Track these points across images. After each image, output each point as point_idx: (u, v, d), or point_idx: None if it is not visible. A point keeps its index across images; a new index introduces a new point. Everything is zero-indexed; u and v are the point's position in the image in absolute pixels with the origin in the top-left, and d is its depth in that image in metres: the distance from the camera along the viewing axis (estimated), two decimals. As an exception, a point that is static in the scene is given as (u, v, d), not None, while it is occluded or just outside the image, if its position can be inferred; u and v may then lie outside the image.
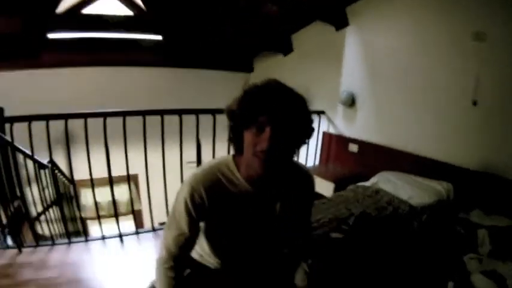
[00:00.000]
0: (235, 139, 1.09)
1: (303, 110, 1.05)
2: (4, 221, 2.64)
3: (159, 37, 4.59)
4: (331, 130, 4.28)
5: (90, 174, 2.72)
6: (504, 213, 2.50)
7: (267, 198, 1.18)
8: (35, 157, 2.70)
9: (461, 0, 2.86)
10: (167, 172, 3.03)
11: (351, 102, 3.89)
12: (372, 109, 3.80)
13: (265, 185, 1.14)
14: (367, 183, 3.18)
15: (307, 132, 1.11)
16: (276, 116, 0.96)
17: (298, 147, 1.10)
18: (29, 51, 4.16)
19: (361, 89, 3.86)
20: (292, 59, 4.90)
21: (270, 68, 5.35)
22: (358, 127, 3.96)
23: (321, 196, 3.03)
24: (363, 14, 3.75)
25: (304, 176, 1.30)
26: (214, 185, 1.10)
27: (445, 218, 2.62)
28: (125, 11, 4.46)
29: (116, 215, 2.96)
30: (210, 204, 1.09)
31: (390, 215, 2.54)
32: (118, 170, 2.83)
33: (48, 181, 3.19)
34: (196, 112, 3.01)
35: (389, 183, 3.06)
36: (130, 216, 3.27)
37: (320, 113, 4.22)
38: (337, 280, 1.74)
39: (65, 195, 3.92)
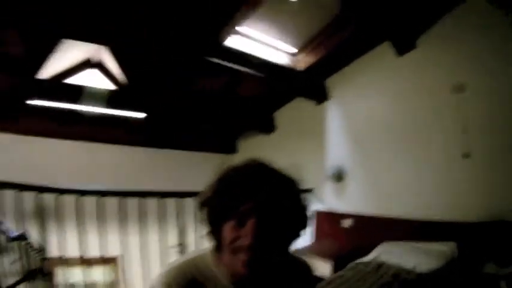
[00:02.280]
0: (214, 233, 0.91)
1: (293, 195, 0.90)
2: None
3: (141, 114, 4.57)
4: (321, 207, 4.11)
5: (63, 251, 2.55)
6: None
7: None
8: (5, 228, 2.50)
9: (437, 57, 3.03)
10: (149, 256, 2.79)
11: (339, 176, 3.81)
12: (361, 180, 3.71)
13: (252, 285, 0.93)
14: (368, 259, 2.95)
15: (300, 222, 0.93)
16: (261, 205, 0.82)
17: (291, 240, 0.93)
18: (7, 114, 4.09)
19: (349, 161, 3.82)
20: (276, 138, 4.94)
21: (254, 148, 5.36)
22: (350, 201, 3.83)
23: (318, 278, 2.76)
24: (342, 86, 3.89)
25: (301, 267, 1.10)
26: (189, 284, 0.90)
27: (458, 279, 2.45)
28: (108, 85, 4.50)
29: None
30: None
31: None
32: (96, 251, 2.63)
33: (20, 254, 2.95)
34: (180, 195, 2.86)
35: (391, 254, 2.87)
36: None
37: (308, 190, 4.09)
38: None
39: (36, 271, 3.60)
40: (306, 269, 1.10)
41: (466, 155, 2.79)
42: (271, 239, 0.83)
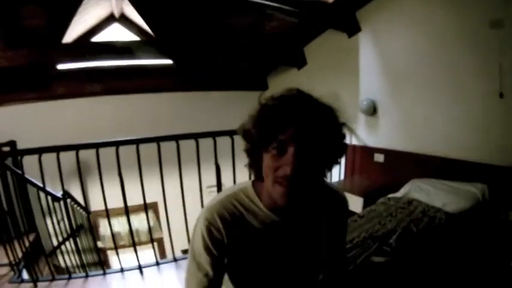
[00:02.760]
0: (255, 164, 0.92)
1: (333, 122, 0.87)
2: (20, 254, 2.59)
3: (170, 61, 4.55)
4: (354, 141, 4.11)
5: (105, 204, 2.66)
6: None
7: (295, 227, 1.00)
8: (48, 189, 2.67)
9: None
10: (187, 198, 2.91)
11: (372, 110, 3.74)
12: (395, 115, 3.63)
13: (292, 213, 0.97)
14: (398, 194, 3.00)
15: (339, 150, 0.91)
16: (300, 132, 0.79)
17: (329, 168, 0.92)
18: (38, 82, 4.27)
19: (382, 96, 3.71)
20: (307, 72, 4.81)
21: (285, 84, 5.09)
22: (382, 136, 3.79)
23: (350, 213, 2.83)
24: (374, 18, 3.64)
25: (337, 198, 1.12)
26: (232, 217, 0.95)
27: (484, 221, 2.46)
28: (133, 38, 4.52)
29: (134, 245, 2.85)
30: (230, 238, 0.94)
31: (427, 226, 2.35)
32: (136, 199, 2.73)
33: (64, 213, 3.14)
34: (213, 135, 2.89)
35: (421, 191, 2.89)
36: (153, 245, 3.17)
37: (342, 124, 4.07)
38: None
39: (83, 226, 3.84)
40: (342, 199, 1.13)
41: (501, 94, 2.62)
42: (311, 167, 0.83)
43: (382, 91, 3.69)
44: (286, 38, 4.44)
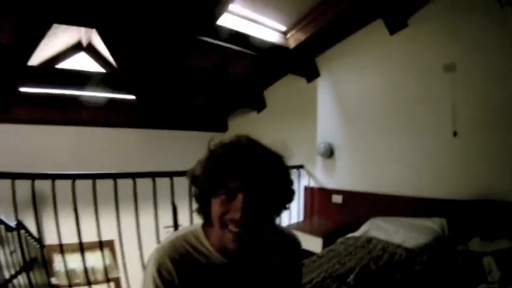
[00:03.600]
0: (203, 207, 0.95)
1: (281, 170, 0.92)
2: None
3: (132, 97, 4.52)
4: (312, 183, 4.16)
5: (60, 239, 2.50)
6: (504, 236, 2.44)
7: (245, 270, 1.00)
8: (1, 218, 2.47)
9: (429, 36, 3.02)
10: (144, 236, 2.80)
11: (329, 152, 3.85)
12: (351, 157, 3.75)
13: (242, 256, 0.97)
14: (357, 233, 3.03)
15: (287, 196, 0.96)
16: (248, 180, 0.83)
17: (278, 213, 0.96)
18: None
19: (338, 138, 3.85)
20: (266, 115, 4.93)
21: (245, 126, 5.35)
22: (339, 177, 3.87)
23: (309, 253, 2.81)
24: (332, 63, 3.87)
25: (288, 240, 1.14)
26: (182, 258, 0.93)
27: (444, 254, 2.50)
28: (98, 68, 4.49)
29: (90, 284, 2.66)
30: (180, 279, 0.92)
31: (388, 263, 2.37)
32: (92, 235, 2.60)
33: (17, 245, 2.93)
34: (171, 175, 2.85)
35: (380, 229, 2.94)
36: (109, 284, 2.97)
37: (299, 167, 4.14)
38: None
39: (37, 260, 3.58)
40: (293, 240, 1.14)
41: (454, 133, 2.83)
42: (259, 213, 0.85)
43: (339, 134, 3.83)
44: (247, 81, 4.57)
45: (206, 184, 0.88)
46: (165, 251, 0.94)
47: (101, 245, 2.70)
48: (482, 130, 2.72)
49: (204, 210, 0.95)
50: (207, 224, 0.98)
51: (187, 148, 5.17)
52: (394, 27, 3.24)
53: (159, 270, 0.91)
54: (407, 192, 3.17)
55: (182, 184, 2.82)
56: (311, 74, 4.04)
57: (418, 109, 3.12)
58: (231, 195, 0.84)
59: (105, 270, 2.89)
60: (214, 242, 0.95)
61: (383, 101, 3.40)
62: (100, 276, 4.83)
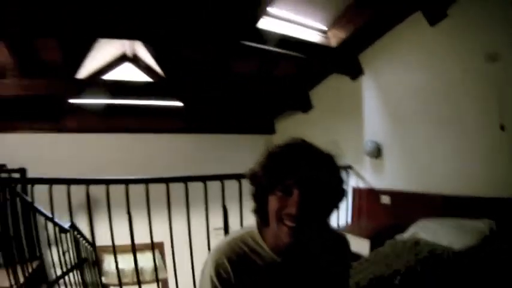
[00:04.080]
0: (260, 207, 1.00)
1: (333, 169, 0.97)
2: (22, 279, 2.58)
3: (179, 103, 4.72)
4: (360, 184, 4.11)
5: (112, 240, 2.67)
6: None
7: (298, 269, 1.04)
8: (56, 220, 2.71)
9: (470, 26, 2.89)
10: (194, 239, 2.91)
11: (377, 152, 3.78)
12: (399, 156, 3.67)
13: (296, 255, 1.02)
14: (405, 235, 2.96)
15: (339, 195, 1.01)
16: (304, 177, 0.89)
17: (330, 211, 1.01)
18: (50, 114, 4.47)
19: (386, 137, 3.78)
20: (313, 116, 4.93)
21: (292, 127, 5.37)
22: (387, 177, 3.80)
23: (357, 256, 2.82)
24: (376, 60, 3.81)
25: (339, 239, 1.19)
26: (239, 258, 0.99)
27: (490, 252, 2.42)
28: (144, 78, 4.74)
29: (139, 282, 2.82)
30: (237, 279, 0.97)
31: (434, 265, 2.35)
32: (142, 237, 2.75)
33: (70, 245, 3.16)
34: (221, 178, 2.94)
35: (428, 231, 2.86)
36: (155, 285, 3.13)
37: (347, 168, 4.09)
38: None
39: (87, 260, 3.85)
40: (343, 240, 1.19)
41: (502, 127, 2.68)
42: (313, 209, 0.90)
43: (386, 132, 3.77)
44: (292, 83, 4.63)
45: (264, 182, 0.94)
46: (223, 251, 1.00)
47: (152, 246, 2.84)
48: None
49: (260, 209, 0.99)
50: (262, 225, 1.03)
51: (235, 151, 5.34)
52: (433, 18, 3.12)
53: (217, 270, 0.96)
54: (456, 191, 3.05)
55: (232, 187, 2.95)
56: (355, 71, 4.00)
57: (463, 103, 3.00)
58: (288, 191, 0.89)
59: (155, 270, 3.00)
60: (269, 242, 1.01)
61: (427, 96, 3.31)
62: (148, 276, 5.09)
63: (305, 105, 4.95)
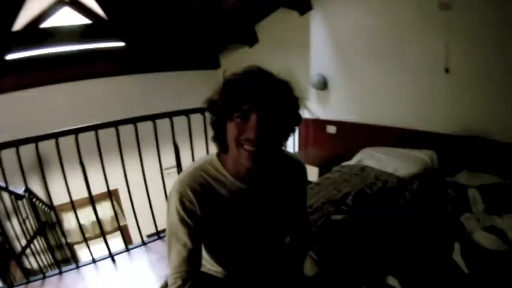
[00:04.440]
0: (219, 134, 1.01)
1: (289, 94, 0.98)
2: None
3: (122, 43, 4.44)
4: (307, 115, 4.26)
5: (70, 196, 2.59)
6: (491, 172, 2.58)
7: (259, 193, 1.11)
8: (10, 188, 2.57)
9: None
10: (148, 181, 2.91)
11: (323, 85, 3.90)
12: (345, 89, 3.82)
13: (256, 179, 1.08)
14: (351, 162, 3.19)
15: (294, 119, 1.03)
16: (261, 102, 0.90)
17: (287, 135, 1.04)
18: None
19: (332, 70, 3.87)
20: (258, 50, 4.85)
21: (237, 62, 5.22)
22: (333, 108, 3.98)
23: (307, 181, 2.97)
24: None
25: (296, 163, 1.24)
26: (202, 187, 1.03)
27: (433, 184, 2.66)
28: (84, 21, 4.33)
29: (103, 234, 2.85)
30: (202, 208, 1.01)
31: (381, 190, 2.55)
32: (96, 188, 2.70)
33: (28, 211, 3.05)
34: (170, 115, 2.89)
35: (373, 159, 3.09)
36: (117, 234, 3.14)
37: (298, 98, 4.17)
38: (346, 262, 1.70)
39: (47, 223, 3.77)
40: (300, 164, 1.26)
41: (446, 70, 2.88)
42: (271, 133, 0.93)
43: (333, 66, 3.85)
44: (238, 17, 4.45)
45: (222, 108, 0.94)
46: (186, 182, 1.02)
47: (110, 194, 2.82)
48: (473, 70, 2.77)
49: (220, 136, 1.01)
50: (222, 152, 1.05)
51: (181, 87, 5.21)
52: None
53: (181, 201, 1.00)
54: (399, 124, 3.30)
55: (181, 124, 2.91)
56: (304, 7, 3.92)
57: (411, 44, 3.13)
58: (246, 116, 0.91)
59: (117, 218, 3.01)
60: (230, 168, 1.04)
61: (377, 35, 3.38)
62: (107, 227, 5.09)
63: (251, 39, 4.85)
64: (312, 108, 4.20)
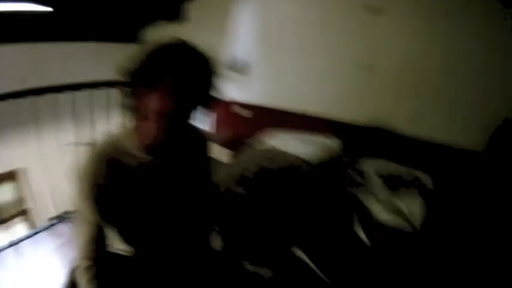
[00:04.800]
0: (132, 107, 1.01)
1: (208, 71, 1.02)
2: None
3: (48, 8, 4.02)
4: (225, 97, 4.22)
5: None
6: (392, 160, 2.92)
7: (168, 166, 1.12)
8: None
9: None
10: (56, 160, 2.64)
11: (244, 69, 3.95)
12: (264, 74, 3.91)
13: (165, 152, 1.09)
14: (261, 144, 3.27)
15: (209, 96, 1.06)
16: (180, 76, 0.93)
17: (197, 109, 1.06)
18: None
19: (254, 55, 3.92)
20: (184, 28, 4.67)
21: (162, 38, 5.02)
22: (251, 92, 4.05)
23: (218, 162, 2.97)
24: None
25: (200, 137, 1.30)
26: (109, 162, 1.02)
27: (337, 168, 2.89)
28: None
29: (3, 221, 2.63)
30: (110, 182, 1.01)
31: (286, 169, 2.65)
32: None
33: None
34: (72, 88, 2.60)
35: (281, 141, 3.17)
36: (20, 219, 2.89)
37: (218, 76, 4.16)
38: (249, 234, 1.80)
39: None
40: (204, 138, 1.33)
41: (361, 65, 3.15)
42: (184, 107, 0.97)
43: (254, 51, 3.91)
44: None
45: (140, 79, 0.95)
46: (92, 156, 1.02)
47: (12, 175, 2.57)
48: (388, 68, 3.07)
49: (132, 109, 1.01)
50: (130, 125, 1.06)
51: (96, 60, 4.87)
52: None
53: (88, 176, 1.00)
54: (313, 112, 3.51)
55: (83, 99, 2.71)
56: None
57: (337, 38, 3.32)
58: (164, 89, 0.92)
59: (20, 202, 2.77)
60: (139, 141, 1.04)
61: (302, 26, 3.51)
62: (8, 211, 4.68)
63: (177, 16, 4.73)
64: (230, 91, 4.20)
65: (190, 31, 4.58)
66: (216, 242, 1.41)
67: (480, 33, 2.60)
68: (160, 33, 5.05)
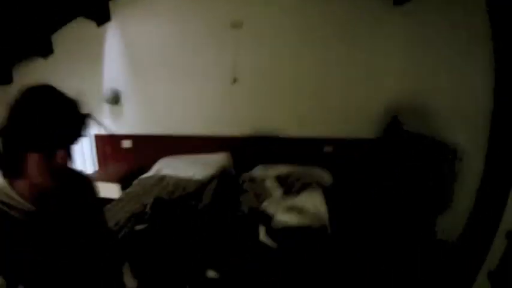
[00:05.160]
0: (12, 161, 0.95)
1: (75, 115, 1.00)
2: None
3: None
4: (101, 131, 4.15)
5: None
6: (282, 162, 3.26)
7: (54, 216, 1.06)
8: None
9: None
10: None
11: (116, 99, 3.94)
12: (138, 102, 3.98)
13: (49, 201, 1.04)
14: (150, 174, 3.33)
15: (78, 136, 1.03)
16: (62, 134, 0.94)
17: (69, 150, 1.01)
18: None
19: (125, 85, 3.98)
20: (54, 62, 4.28)
21: (31, 75, 4.32)
22: (127, 123, 4.06)
23: (109, 200, 2.88)
24: (125, 9, 3.83)
25: (84, 180, 1.24)
26: None
27: (230, 181, 3.07)
28: None
29: None
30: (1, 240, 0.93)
31: (182, 195, 2.76)
32: None
33: None
34: None
35: (170, 167, 3.30)
36: None
37: (88, 116, 4.01)
38: (160, 267, 1.81)
39: None
40: (86, 179, 1.26)
41: (235, 80, 3.52)
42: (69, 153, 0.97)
43: (126, 79, 3.95)
44: (33, 26, 4.06)
45: (19, 138, 0.91)
46: None
47: None
48: (257, 78, 3.48)
49: (11, 164, 0.96)
50: (13, 177, 0.98)
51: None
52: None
53: None
54: (195, 132, 3.72)
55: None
56: (102, 17, 3.84)
57: (205, 58, 3.60)
58: (51, 151, 0.92)
59: None
60: (23, 192, 0.98)
61: (172, 48, 3.73)
62: None
63: (45, 50, 4.40)
64: (106, 123, 4.12)
65: (58, 65, 4.30)
66: (129, 280, 1.39)
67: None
68: (31, 70, 4.63)
